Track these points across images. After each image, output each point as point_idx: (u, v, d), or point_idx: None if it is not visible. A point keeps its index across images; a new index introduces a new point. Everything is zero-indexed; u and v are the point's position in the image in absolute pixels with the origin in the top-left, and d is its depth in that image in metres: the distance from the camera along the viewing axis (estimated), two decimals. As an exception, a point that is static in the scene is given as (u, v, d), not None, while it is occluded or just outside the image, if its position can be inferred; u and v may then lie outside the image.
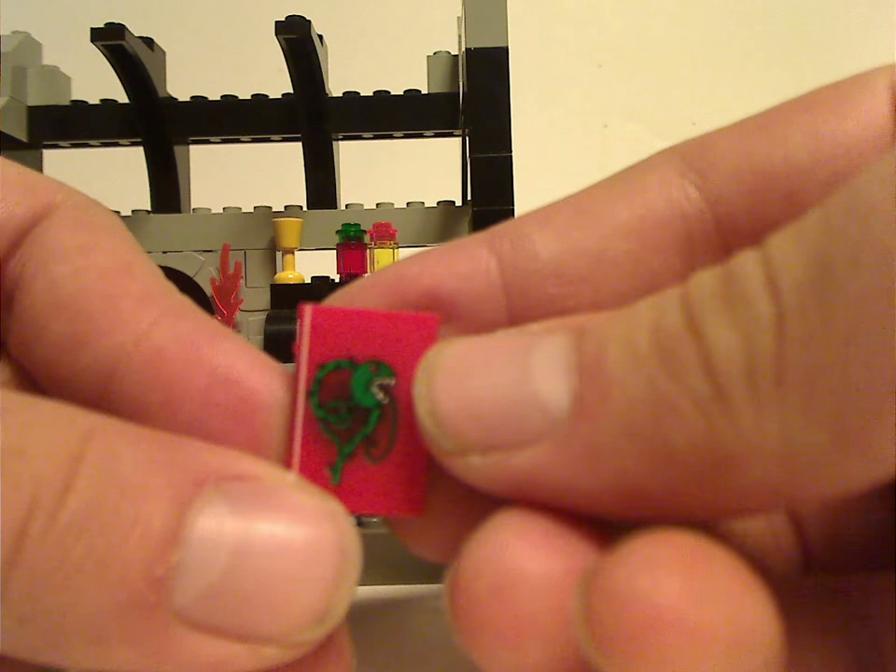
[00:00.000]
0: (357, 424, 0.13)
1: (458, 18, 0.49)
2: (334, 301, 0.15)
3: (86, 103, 0.51)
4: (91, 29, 0.45)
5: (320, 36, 0.48)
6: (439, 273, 0.15)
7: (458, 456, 0.12)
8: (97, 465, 0.11)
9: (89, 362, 0.14)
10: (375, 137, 0.52)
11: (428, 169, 0.61)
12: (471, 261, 0.15)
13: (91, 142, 0.51)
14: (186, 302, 0.15)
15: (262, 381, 0.14)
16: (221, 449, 0.12)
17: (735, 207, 0.14)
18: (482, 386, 0.12)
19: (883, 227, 0.09)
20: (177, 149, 0.51)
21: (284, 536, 0.11)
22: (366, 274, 0.48)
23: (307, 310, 0.14)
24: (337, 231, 0.48)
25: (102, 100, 0.51)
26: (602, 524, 0.12)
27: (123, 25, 0.45)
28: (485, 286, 0.14)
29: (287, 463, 0.13)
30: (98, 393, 0.14)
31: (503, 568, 0.11)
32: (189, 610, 0.11)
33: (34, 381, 0.15)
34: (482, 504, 0.14)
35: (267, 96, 0.51)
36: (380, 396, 0.13)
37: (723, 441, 0.10)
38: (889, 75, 0.14)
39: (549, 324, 0.13)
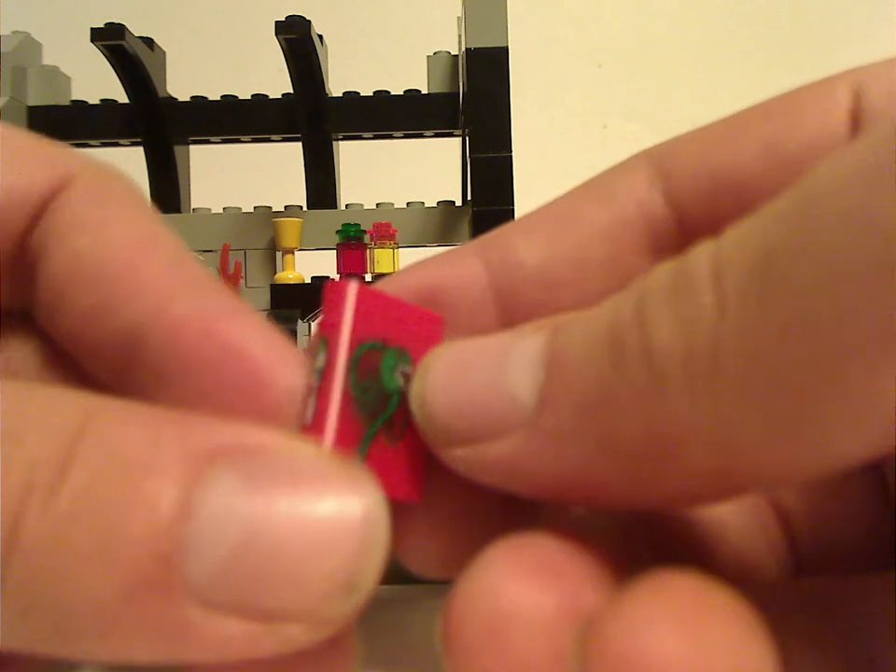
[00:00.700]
0: (380, 406, 0.13)
1: (458, 18, 0.49)
2: None
3: (86, 103, 0.51)
4: (91, 29, 0.45)
5: (320, 36, 0.48)
6: (435, 284, 0.15)
7: (446, 448, 0.13)
8: (97, 444, 0.10)
9: (112, 332, 0.14)
10: (375, 137, 0.52)
11: (428, 169, 0.61)
12: (464, 273, 0.15)
13: (91, 142, 0.51)
14: (206, 275, 0.15)
15: (276, 359, 0.14)
16: (234, 422, 0.11)
17: (694, 211, 0.15)
18: (464, 384, 0.13)
19: (829, 221, 0.09)
20: (177, 149, 0.51)
21: (303, 506, 0.10)
22: (366, 275, 0.48)
23: (351, 287, 0.14)
24: (337, 231, 0.48)
25: (102, 100, 0.51)
26: (597, 553, 0.12)
27: (123, 25, 0.45)
28: (478, 294, 0.15)
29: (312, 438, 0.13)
30: (123, 362, 0.14)
31: (497, 609, 0.11)
32: (203, 589, 0.10)
33: (62, 350, 0.15)
34: (479, 515, 0.14)
35: (267, 96, 0.51)
36: (401, 382, 0.14)
37: (661, 428, 0.10)
38: (850, 80, 0.14)
39: (537, 323, 0.13)
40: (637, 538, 0.14)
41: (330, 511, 0.11)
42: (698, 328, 0.10)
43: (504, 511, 0.14)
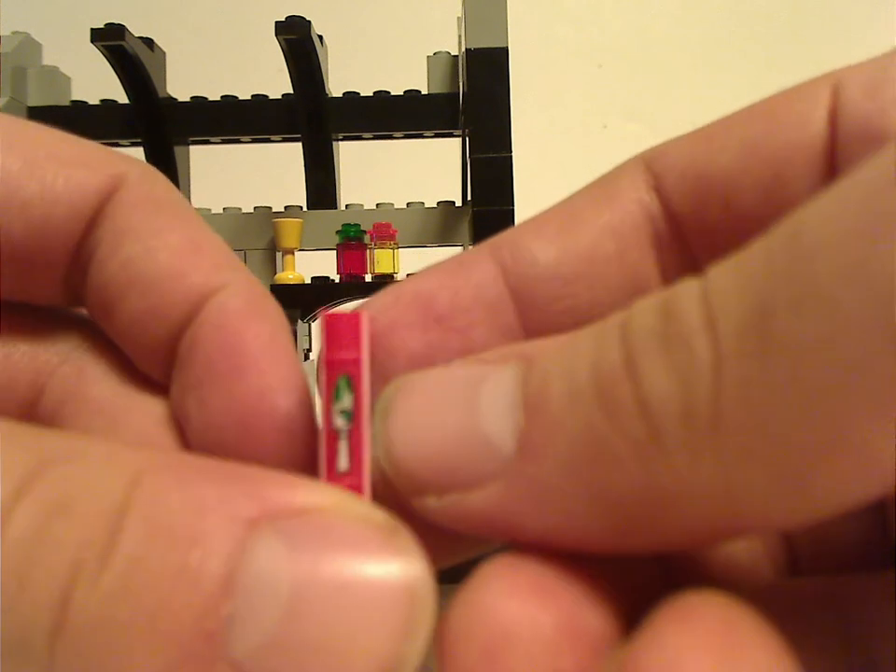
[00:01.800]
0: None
1: (458, 18, 0.49)
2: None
3: (86, 103, 0.51)
4: (91, 29, 0.45)
5: (320, 37, 0.48)
6: (454, 288, 0.15)
7: (416, 497, 0.12)
8: (143, 515, 0.10)
9: (160, 335, 0.15)
10: (375, 137, 0.52)
11: (428, 169, 0.61)
12: (479, 275, 0.15)
13: (91, 142, 0.51)
14: (245, 277, 0.15)
15: (280, 377, 0.14)
16: (279, 477, 0.11)
17: (683, 209, 0.15)
18: (433, 428, 0.12)
19: (827, 272, 0.09)
20: (177, 150, 0.51)
21: (347, 578, 0.10)
22: (366, 276, 0.48)
23: (366, 319, 0.13)
24: (337, 232, 0.48)
25: (102, 100, 0.51)
26: (595, 568, 0.12)
27: (123, 26, 0.45)
28: (495, 295, 0.15)
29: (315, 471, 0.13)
30: (170, 363, 0.15)
31: (493, 629, 0.11)
32: (247, 664, 0.10)
33: (112, 344, 0.16)
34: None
35: (267, 96, 0.51)
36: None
37: (661, 483, 0.10)
38: (832, 81, 0.15)
39: (501, 351, 0.13)
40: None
41: (371, 580, 0.10)
42: (696, 383, 0.10)
43: None
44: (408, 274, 0.46)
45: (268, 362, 0.14)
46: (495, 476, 0.11)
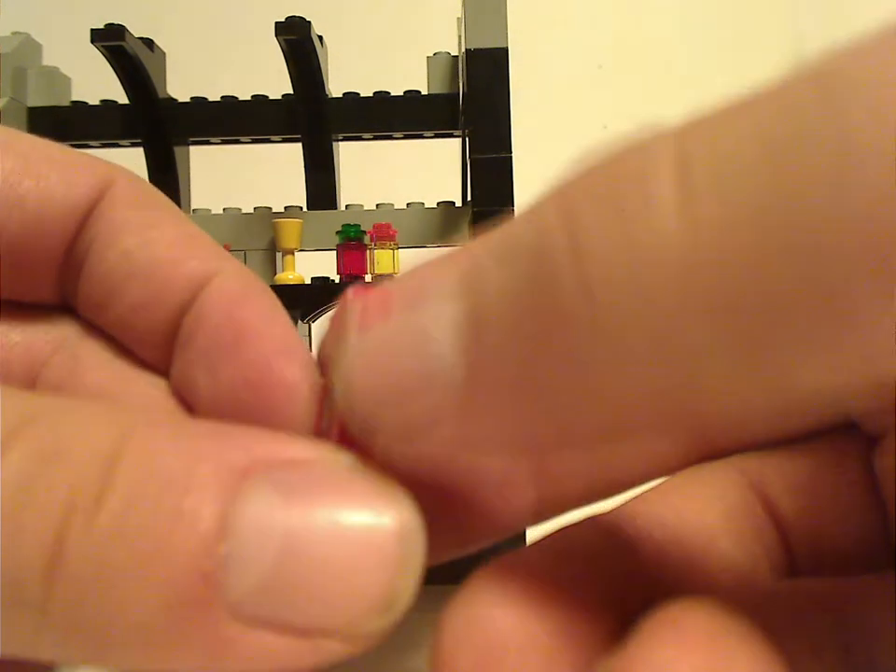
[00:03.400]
0: None
1: (458, 18, 0.49)
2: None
3: (86, 104, 0.51)
4: (91, 30, 0.45)
5: (320, 37, 0.48)
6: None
7: (375, 431, 0.12)
8: (136, 461, 0.10)
9: (158, 321, 0.16)
10: (375, 138, 0.52)
11: (428, 170, 0.61)
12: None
13: (92, 143, 0.51)
14: (239, 266, 0.16)
15: (285, 352, 0.15)
16: (270, 434, 0.11)
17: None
18: (387, 364, 0.12)
19: (861, 114, 0.08)
20: (177, 150, 0.51)
21: (340, 522, 0.10)
22: (366, 276, 0.48)
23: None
24: (337, 232, 0.48)
25: (102, 101, 0.51)
26: (588, 573, 0.12)
27: (123, 26, 0.45)
28: None
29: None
30: (168, 347, 0.16)
31: (488, 639, 0.11)
32: (243, 605, 0.10)
33: (104, 334, 0.16)
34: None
35: (267, 97, 0.51)
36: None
37: (593, 357, 0.09)
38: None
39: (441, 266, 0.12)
40: (630, 553, 0.14)
41: (364, 525, 0.10)
42: (652, 234, 0.08)
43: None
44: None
45: (270, 330, 0.15)
46: (443, 384, 0.11)
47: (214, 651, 0.10)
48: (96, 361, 0.16)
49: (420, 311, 0.11)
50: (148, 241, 0.16)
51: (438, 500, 0.13)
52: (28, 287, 0.16)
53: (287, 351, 0.15)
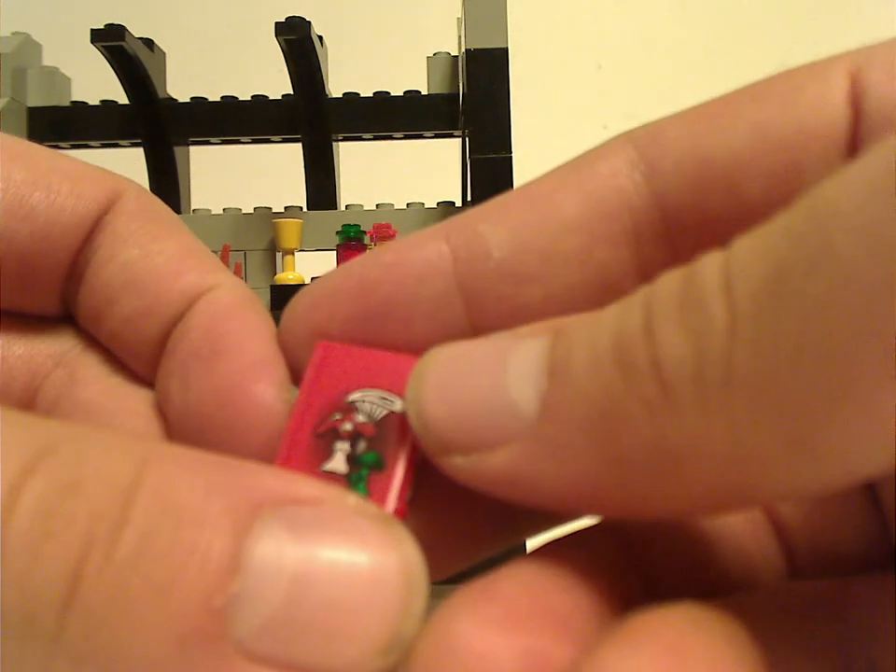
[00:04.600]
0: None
1: (458, 19, 0.49)
2: (298, 306, 0.16)
3: (86, 104, 0.51)
4: (92, 30, 0.45)
5: (320, 37, 0.48)
6: (397, 279, 0.15)
7: (444, 456, 0.13)
8: (153, 494, 0.11)
9: (151, 333, 0.15)
10: (375, 138, 0.52)
11: (428, 170, 0.61)
12: (428, 264, 0.15)
13: (91, 143, 0.51)
14: (234, 280, 0.16)
15: (259, 369, 0.15)
16: (280, 471, 0.12)
17: (681, 200, 0.14)
18: (463, 391, 0.12)
19: (842, 236, 0.09)
20: (177, 150, 0.51)
21: (346, 562, 0.11)
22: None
23: (325, 349, 0.14)
24: (337, 232, 0.48)
25: (102, 101, 0.51)
26: (578, 589, 0.12)
27: (123, 26, 0.45)
28: (442, 287, 0.15)
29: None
30: (157, 359, 0.16)
31: (461, 662, 0.11)
32: (250, 642, 0.10)
33: (104, 347, 0.16)
34: (464, 529, 0.14)
35: (267, 97, 0.51)
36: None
37: (672, 442, 0.10)
38: (848, 63, 0.14)
39: (537, 325, 0.13)
40: (628, 556, 0.14)
41: (369, 566, 0.11)
42: (709, 342, 0.10)
43: (490, 524, 0.14)
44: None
45: (248, 344, 0.15)
46: (517, 437, 0.12)
47: None
48: (92, 375, 0.16)
49: (504, 361, 0.12)
50: (149, 253, 0.16)
51: (472, 510, 0.14)
52: (33, 299, 0.16)
53: (259, 366, 0.15)
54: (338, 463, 0.13)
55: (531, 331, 0.13)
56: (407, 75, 0.52)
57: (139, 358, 0.16)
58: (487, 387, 0.12)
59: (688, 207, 0.14)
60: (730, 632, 0.11)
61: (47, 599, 0.10)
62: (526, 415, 0.12)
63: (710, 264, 0.10)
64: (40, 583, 0.10)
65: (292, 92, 0.49)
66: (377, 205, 0.50)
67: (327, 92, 0.50)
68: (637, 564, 0.14)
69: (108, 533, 0.10)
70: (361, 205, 0.50)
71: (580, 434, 0.11)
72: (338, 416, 0.14)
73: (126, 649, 0.10)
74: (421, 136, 0.52)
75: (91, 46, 0.45)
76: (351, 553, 0.11)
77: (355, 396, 0.14)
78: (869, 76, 0.14)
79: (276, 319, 0.16)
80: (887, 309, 0.08)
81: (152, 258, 0.16)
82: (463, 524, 0.14)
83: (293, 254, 0.48)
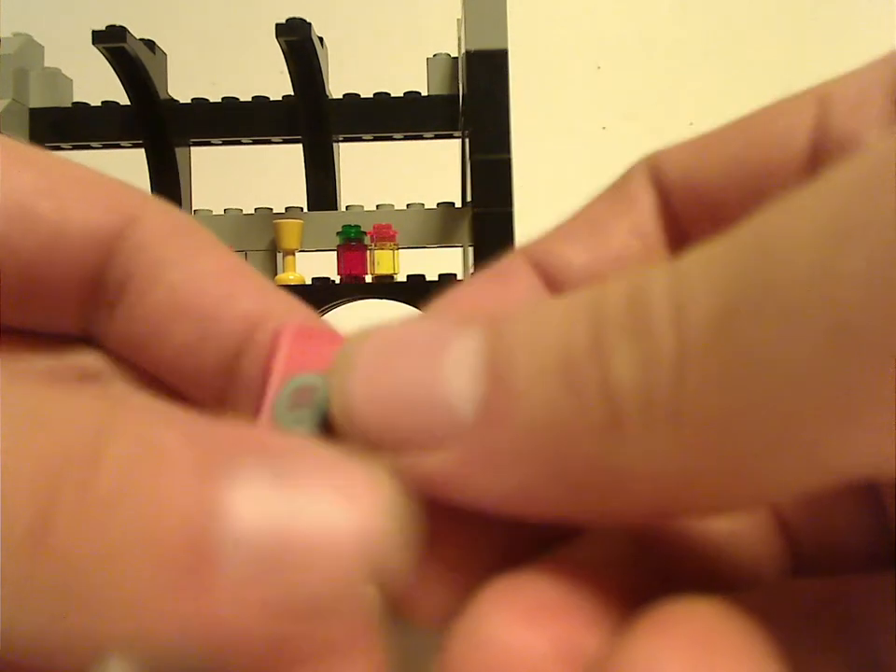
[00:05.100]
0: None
1: (458, 20, 0.50)
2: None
3: (87, 105, 0.51)
4: (93, 31, 0.45)
5: (320, 38, 0.49)
6: (499, 299, 0.16)
7: (371, 454, 0.12)
8: (127, 436, 0.10)
9: (214, 360, 0.15)
10: (375, 139, 0.52)
11: (428, 171, 0.61)
12: (522, 282, 0.16)
13: (93, 144, 0.51)
14: (289, 298, 0.16)
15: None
16: (258, 428, 0.12)
17: (684, 217, 0.16)
18: (392, 386, 0.12)
19: (787, 280, 0.09)
20: (178, 151, 0.51)
21: (330, 502, 0.11)
22: (366, 276, 0.48)
23: (288, 331, 0.14)
24: (337, 233, 0.48)
25: (103, 102, 0.51)
26: (598, 587, 0.12)
27: (125, 28, 0.45)
28: None
29: None
30: (222, 386, 0.15)
31: (492, 657, 0.11)
32: (236, 585, 0.10)
33: (153, 377, 0.16)
34: (480, 561, 0.13)
35: (268, 98, 0.51)
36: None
37: (617, 464, 0.10)
38: (817, 96, 0.15)
39: (474, 315, 0.12)
40: (642, 556, 0.14)
41: (355, 506, 0.11)
42: (658, 372, 0.10)
43: (506, 552, 0.14)
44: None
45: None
46: (452, 440, 0.11)
47: (203, 632, 0.10)
48: (119, 391, 0.16)
49: (439, 356, 0.12)
50: (194, 275, 0.15)
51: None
52: (47, 316, 0.16)
53: None
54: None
55: (466, 320, 0.12)
56: (407, 76, 0.52)
57: (197, 385, 0.15)
58: (420, 385, 0.11)
59: (691, 226, 0.16)
60: (751, 625, 0.11)
61: (18, 527, 0.10)
62: (463, 418, 0.11)
63: (658, 287, 0.10)
64: (11, 511, 0.09)
65: (293, 93, 0.49)
66: (377, 206, 0.51)
67: (327, 93, 0.50)
68: (650, 557, 0.14)
69: (82, 470, 0.10)
70: (361, 206, 0.51)
71: (521, 444, 0.11)
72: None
73: (106, 590, 0.10)
74: (421, 137, 0.52)
75: (93, 47, 0.45)
76: (334, 495, 0.11)
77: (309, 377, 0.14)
78: (832, 109, 0.14)
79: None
80: (827, 361, 0.09)
81: (198, 280, 0.15)
82: (479, 556, 0.13)
83: (294, 254, 0.48)
